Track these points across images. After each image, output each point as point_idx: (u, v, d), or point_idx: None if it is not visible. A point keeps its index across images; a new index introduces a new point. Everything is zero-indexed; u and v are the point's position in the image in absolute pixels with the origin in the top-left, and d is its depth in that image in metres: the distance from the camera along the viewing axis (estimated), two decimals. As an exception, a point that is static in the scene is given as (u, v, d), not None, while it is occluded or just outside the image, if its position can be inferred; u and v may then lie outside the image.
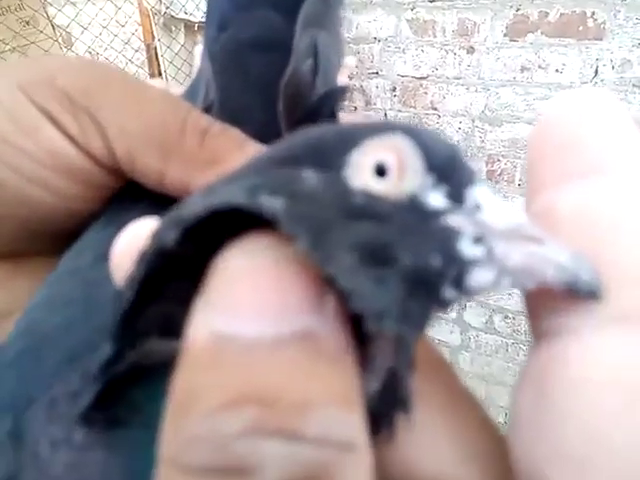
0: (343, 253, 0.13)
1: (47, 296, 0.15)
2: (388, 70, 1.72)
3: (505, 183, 1.62)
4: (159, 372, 0.14)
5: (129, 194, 0.16)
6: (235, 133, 0.17)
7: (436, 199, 0.14)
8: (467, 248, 0.14)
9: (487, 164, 1.64)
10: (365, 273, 0.13)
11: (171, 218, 0.13)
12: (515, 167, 1.60)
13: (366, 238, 0.13)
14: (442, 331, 1.97)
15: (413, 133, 0.15)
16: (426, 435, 0.16)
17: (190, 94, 0.20)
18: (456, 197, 0.14)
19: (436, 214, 0.14)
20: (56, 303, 0.15)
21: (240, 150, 0.16)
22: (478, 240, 0.14)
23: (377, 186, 0.14)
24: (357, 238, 0.13)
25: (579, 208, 0.13)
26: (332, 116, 0.21)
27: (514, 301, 1.75)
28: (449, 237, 0.14)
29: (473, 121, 1.62)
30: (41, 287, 0.15)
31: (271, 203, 0.12)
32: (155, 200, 0.16)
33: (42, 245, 0.16)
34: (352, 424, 0.12)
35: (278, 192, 0.13)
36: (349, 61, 1.71)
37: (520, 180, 1.60)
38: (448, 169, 0.15)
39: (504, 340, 1.83)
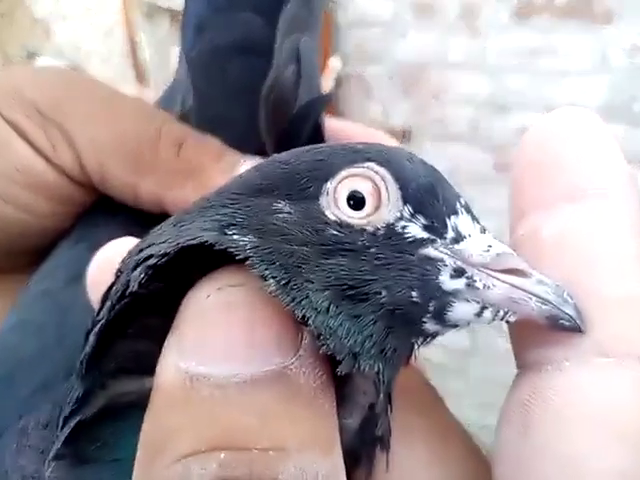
0: (315, 292, 0.13)
1: (20, 320, 0.15)
2: (388, 56, 1.69)
3: (513, 175, 1.60)
4: (130, 410, 0.14)
5: (102, 209, 0.16)
6: (213, 143, 0.16)
7: (414, 230, 0.14)
8: (447, 281, 0.14)
9: (494, 154, 1.62)
10: (339, 311, 0.13)
11: (138, 254, 0.13)
12: (524, 158, 1.57)
13: (340, 275, 0.13)
14: (449, 334, 1.94)
15: (390, 160, 0.15)
16: (406, 468, 0.16)
17: (167, 100, 0.19)
18: (435, 227, 0.15)
19: (414, 245, 0.14)
20: (29, 328, 0.15)
21: (219, 161, 0.15)
22: (459, 272, 0.14)
23: (353, 217, 0.14)
24: (331, 276, 0.13)
25: (562, 235, 0.14)
26: (316, 125, 0.20)
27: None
28: (428, 270, 0.14)
29: (479, 109, 1.60)
30: (14, 307, 0.15)
31: (241, 241, 0.13)
32: (128, 215, 0.16)
33: (15, 262, 0.15)
34: (329, 467, 0.11)
35: (249, 228, 0.13)
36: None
37: (529, 172, 1.58)
38: (427, 198, 0.15)
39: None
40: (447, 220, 0.15)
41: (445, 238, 0.15)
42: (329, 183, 0.14)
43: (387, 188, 0.14)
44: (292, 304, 0.13)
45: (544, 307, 0.14)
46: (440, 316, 0.15)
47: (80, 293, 0.14)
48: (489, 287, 0.15)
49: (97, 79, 0.18)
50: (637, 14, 1.33)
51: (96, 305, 0.14)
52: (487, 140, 1.60)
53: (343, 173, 0.14)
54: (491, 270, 0.15)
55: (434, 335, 0.16)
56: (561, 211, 0.14)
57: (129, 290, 0.13)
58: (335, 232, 0.13)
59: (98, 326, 0.13)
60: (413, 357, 0.17)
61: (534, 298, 0.14)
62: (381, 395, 0.15)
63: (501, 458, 0.15)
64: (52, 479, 0.14)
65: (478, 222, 0.17)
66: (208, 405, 0.11)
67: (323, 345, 0.13)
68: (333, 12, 1.67)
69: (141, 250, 0.13)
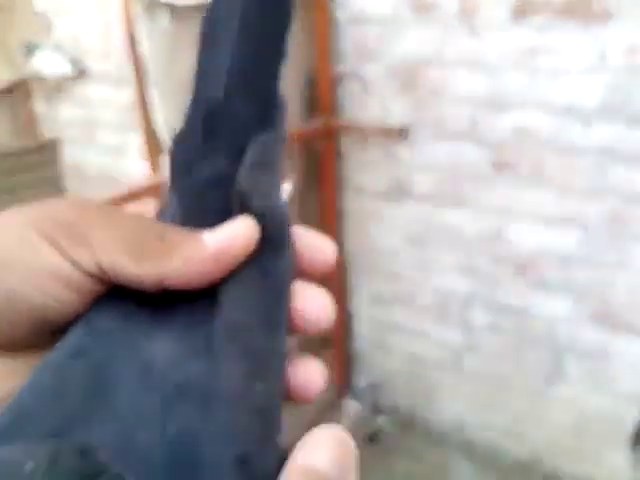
0: None
1: (27, 385, 0.17)
2: (386, 53, 1.67)
3: (511, 173, 1.59)
4: None
5: (112, 296, 0.19)
6: (186, 229, 0.21)
7: None
8: None
9: (492, 153, 1.60)
10: None
11: None
12: (521, 156, 1.56)
13: None
14: (445, 330, 1.94)
15: None
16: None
17: (159, 214, 0.24)
18: None
19: None
20: (31, 390, 0.17)
21: (193, 239, 0.20)
22: None
23: None
24: None
25: None
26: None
27: (520, 299, 1.72)
28: None
29: (477, 107, 1.58)
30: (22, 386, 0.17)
31: None
32: (132, 297, 0.19)
33: (36, 339, 0.19)
34: None
35: None
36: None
37: (527, 170, 1.56)
38: None
39: (510, 340, 1.81)
40: None
41: None
42: None
43: None
44: None
45: None
46: None
47: (79, 367, 0.17)
48: None
49: (103, 202, 0.24)
50: (636, 13, 1.31)
51: None
52: (485, 138, 1.58)
53: None
54: None
55: None
56: None
57: None
58: None
59: None
60: None
61: None
62: None
63: None
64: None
65: None
66: None
67: None
68: (332, 9, 1.65)
69: None
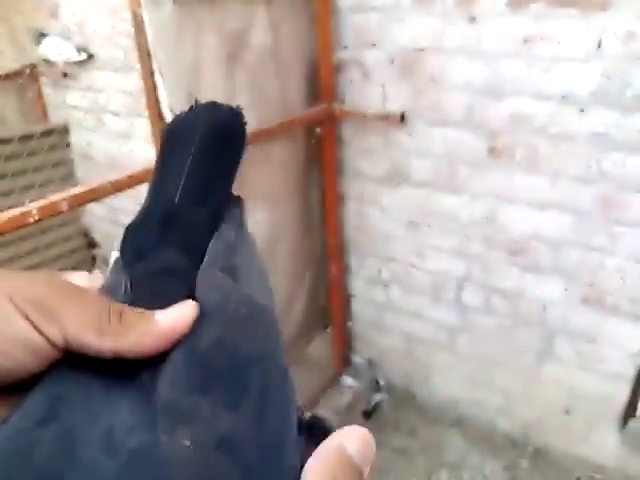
0: None
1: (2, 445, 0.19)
2: (386, 41, 1.67)
3: (506, 159, 1.60)
4: None
5: (68, 361, 0.22)
6: (139, 310, 0.24)
7: None
8: None
9: (488, 140, 1.61)
10: None
11: None
12: (516, 143, 1.57)
13: None
14: (440, 311, 1.97)
15: None
16: None
17: (109, 289, 0.26)
18: None
19: None
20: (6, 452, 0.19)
21: (146, 319, 0.23)
22: None
23: None
24: None
25: None
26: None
27: (513, 281, 1.75)
28: None
29: (474, 95, 1.59)
30: None
31: None
32: (88, 362, 0.22)
33: (2, 398, 0.22)
34: None
35: None
36: None
37: (521, 156, 1.57)
38: None
39: (502, 321, 1.83)
40: None
41: None
42: None
43: None
44: None
45: None
46: None
47: (42, 435, 0.19)
48: None
49: (70, 282, 0.26)
50: (632, 0, 1.31)
51: None
52: (481, 125, 1.60)
53: None
54: None
55: None
56: None
57: None
58: None
59: None
60: None
61: None
62: None
63: None
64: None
65: None
66: None
67: None
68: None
69: None
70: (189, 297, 0.24)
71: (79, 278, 0.26)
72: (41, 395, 0.21)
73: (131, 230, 0.28)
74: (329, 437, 0.20)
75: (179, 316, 0.23)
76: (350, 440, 0.20)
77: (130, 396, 0.21)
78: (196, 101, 0.30)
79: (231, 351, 0.22)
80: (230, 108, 0.30)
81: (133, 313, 0.24)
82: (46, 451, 0.19)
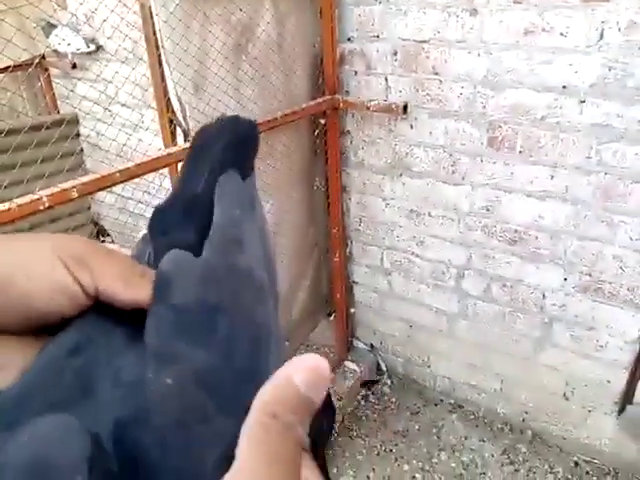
0: None
1: (34, 367, 0.23)
2: (389, 33, 1.68)
3: (506, 150, 1.61)
4: None
5: (94, 310, 0.26)
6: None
7: None
8: None
9: (488, 130, 1.62)
10: None
11: None
12: (516, 134, 1.58)
13: None
14: (440, 299, 1.99)
15: None
16: None
17: (135, 257, 0.30)
18: None
19: None
20: (37, 373, 0.23)
21: None
22: None
23: None
24: None
25: None
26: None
27: (512, 269, 1.76)
28: None
29: (475, 86, 1.59)
30: (31, 365, 0.24)
31: None
32: (114, 311, 0.26)
33: (36, 328, 0.25)
34: None
35: None
36: None
37: (521, 147, 1.58)
38: None
39: (501, 308, 1.85)
40: None
41: None
42: None
43: None
44: None
45: None
46: None
47: (73, 364, 0.23)
48: None
49: (99, 242, 0.29)
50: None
51: None
52: (482, 116, 1.60)
53: None
54: None
55: None
56: None
57: None
58: None
59: None
60: None
61: None
62: None
63: None
64: None
65: None
66: None
67: None
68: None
69: None
70: None
71: (112, 246, 0.30)
72: (74, 332, 0.25)
73: (159, 211, 0.34)
74: (276, 373, 0.21)
75: None
76: (298, 371, 0.21)
77: (138, 343, 0.24)
78: (222, 115, 0.37)
79: (202, 302, 0.26)
80: (249, 121, 0.37)
81: (152, 273, 0.27)
82: (69, 380, 0.23)
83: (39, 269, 0.25)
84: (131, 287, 0.25)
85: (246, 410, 0.21)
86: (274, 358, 0.26)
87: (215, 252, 0.30)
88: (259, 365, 0.25)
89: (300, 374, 0.21)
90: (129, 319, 0.26)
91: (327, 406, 0.25)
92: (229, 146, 0.35)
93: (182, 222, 0.32)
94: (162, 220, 0.33)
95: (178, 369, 0.23)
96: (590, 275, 1.62)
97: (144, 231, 0.33)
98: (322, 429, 0.24)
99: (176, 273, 0.27)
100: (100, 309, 0.26)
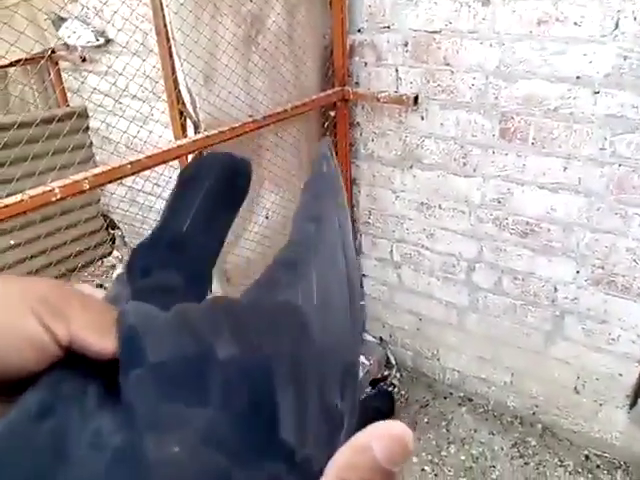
0: None
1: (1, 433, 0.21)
2: (400, 24, 1.66)
3: (519, 141, 1.58)
4: None
5: (68, 361, 0.23)
6: None
7: None
8: None
9: (500, 122, 1.60)
10: None
11: None
12: (529, 125, 1.55)
13: None
14: (450, 292, 1.98)
15: None
16: None
17: (110, 300, 0.28)
18: None
19: None
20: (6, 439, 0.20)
21: None
22: None
23: None
24: None
25: None
26: None
27: (524, 262, 1.74)
28: None
29: (487, 77, 1.57)
30: None
31: None
32: (82, 362, 0.23)
33: (3, 390, 0.22)
34: None
35: None
36: None
37: (534, 139, 1.56)
38: None
39: (512, 301, 1.83)
40: None
41: None
42: None
43: None
44: None
45: None
46: None
47: (45, 427, 0.20)
48: None
49: (75, 287, 0.26)
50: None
51: None
52: (494, 107, 1.58)
53: None
54: None
55: None
56: None
57: None
58: None
59: None
60: None
61: None
62: None
63: None
64: None
65: None
66: None
67: None
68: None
69: None
70: None
71: (84, 288, 0.27)
72: (41, 391, 0.22)
73: (140, 249, 0.31)
74: (356, 435, 0.20)
75: None
76: (380, 438, 0.19)
77: (114, 402, 0.22)
78: (215, 151, 0.35)
79: (180, 356, 0.23)
80: (242, 159, 0.35)
81: None
82: (40, 445, 0.20)
83: (6, 319, 0.22)
84: (107, 338, 0.23)
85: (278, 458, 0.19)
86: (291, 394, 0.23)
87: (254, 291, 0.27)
88: (263, 403, 0.22)
89: (381, 442, 0.19)
90: (101, 371, 0.23)
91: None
92: (218, 182, 0.33)
93: (165, 263, 0.30)
94: (143, 260, 0.30)
95: (182, 433, 0.21)
96: (603, 268, 1.60)
97: (119, 271, 0.30)
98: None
99: (145, 327, 0.24)
100: (71, 360, 0.23)
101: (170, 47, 1.35)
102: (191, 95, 1.41)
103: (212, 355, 0.23)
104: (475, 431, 1.96)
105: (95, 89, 2.00)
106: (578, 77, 1.43)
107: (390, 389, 2.16)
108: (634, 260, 1.54)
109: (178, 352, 0.23)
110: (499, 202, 1.70)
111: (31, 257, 2.03)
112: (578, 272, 1.65)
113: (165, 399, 0.22)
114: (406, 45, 1.66)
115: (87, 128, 2.40)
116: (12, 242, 2.09)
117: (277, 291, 0.28)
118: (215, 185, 0.33)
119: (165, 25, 1.33)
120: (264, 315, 0.26)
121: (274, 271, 0.30)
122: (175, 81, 1.39)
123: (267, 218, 1.76)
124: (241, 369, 0.23)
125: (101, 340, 0.23)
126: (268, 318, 0.26)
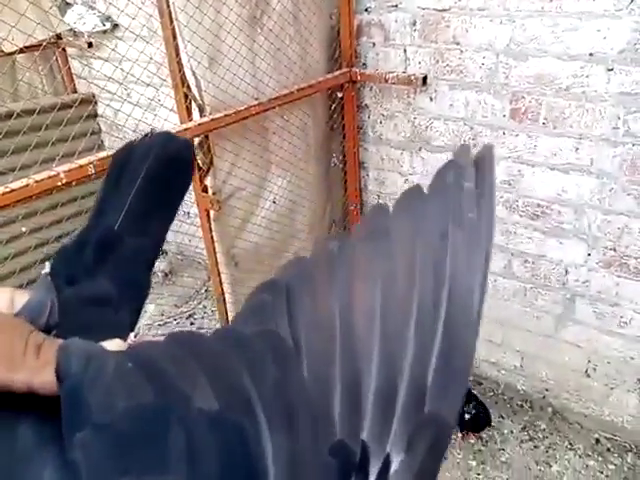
0: None
1: None
2: (408, 2, 1.61)
3: (529, 122, 1.54)
4: None
5: None
6: (59, 342, 0.22)
7: None
8: None
9: (511, 102, 1.56)
10: None
11: None
12: (540, 104, 1.51)
13: None
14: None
15: None
16: None
17: (33, 309, 0.24)
18: None
19: None
20: None
21: None
22: None
23: None
24: None
25: None
26: None
27: (534, 245, 1.71)
28: None
29: (497, 56, 1.53)
30: None
31: None
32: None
33: None
34: None
35: None
36: None
37: (545, 119, 1.52)
38: None
39: (522, 285, 1.80)
40: None
41: None
42: None
43: None
44: None
45: None
46: None
47: None
48: None
49: None
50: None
51: None
52: (504, 87, 1.54)
53: None
54: None
55: None
56: None
57: None
58: None
59: None
60: None
61: None
62: None
63: None
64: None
65: None
66: None
67: None
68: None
69: None
70: (116, 330, 0.23)
71: (2, 294, 0.24)
72: None
73: (64, 251, 0.27)
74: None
75: None
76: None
77: (54, 441, 0.19)
78: (152, 130, 0.29)
79: (130, 412, 0.20)
80: (185, 140, 0.30)
81: (53, 348, 0.21)
82: None
83: None
84: (20, 370, 0.20)
85: None
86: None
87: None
88: (243, 467, 0.19)
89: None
90: (32, 403, 0.20)
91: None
92: (154, 171, 0.28)
93: (93, 270, 0.26)
94: (68, 266, 0.26)
95: None
96: (615, 250, 1.57)
97: (46, 268, 0.26)
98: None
99: (91, 377, 0.20)
100: None
101: (174, 28, 1.33)
102: (196, 78, 1.39)
103: (177, 409, 0.19)
104: (484, 414, 1.94)
105: (102, 75, 1.98)
106: (591, 54, 1.39)
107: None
108: (647, 242, 1.51)
109: (131, 409, 0.19)
110: (509, 184, 1.66)
111: (42, 244, 2.04)
112: (589, 254, 1.62)
113: (114, 470, 0.18)
114: (414, 24, 1.62)
115: (95, 114, 2.39)
116: (24, 229, 2.10)
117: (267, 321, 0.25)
118: (151, 173, 0.28)
119: (168, 5, 1.30)
120: (241, 349, 0.23)
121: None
122: (179, 63, 1.37)
123: (274, 203, 1.75)
124: (215, 424, 0.19)
125: (10, 373, 0.20)
126: (246, 352, 0.22)
